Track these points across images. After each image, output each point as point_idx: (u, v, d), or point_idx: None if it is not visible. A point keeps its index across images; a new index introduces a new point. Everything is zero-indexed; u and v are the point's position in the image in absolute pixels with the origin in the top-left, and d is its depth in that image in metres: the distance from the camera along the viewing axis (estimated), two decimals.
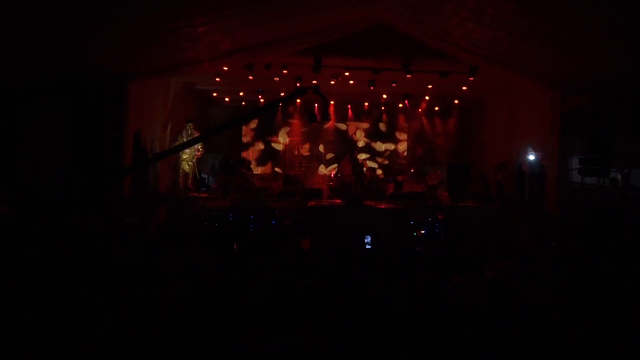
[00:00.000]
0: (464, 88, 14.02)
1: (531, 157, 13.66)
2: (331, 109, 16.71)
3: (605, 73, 9.25)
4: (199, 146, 13.39)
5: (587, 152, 10.36)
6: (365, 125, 17.85)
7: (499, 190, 13.57)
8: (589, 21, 7.33)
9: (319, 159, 17.40)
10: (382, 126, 17.87)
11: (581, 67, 9.32)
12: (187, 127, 13.38)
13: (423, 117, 17.39)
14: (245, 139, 17.55)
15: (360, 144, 17.68)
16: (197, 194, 13.18)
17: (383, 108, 17.38)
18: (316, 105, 15.03)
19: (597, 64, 8.93)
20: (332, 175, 16.15)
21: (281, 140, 17.58)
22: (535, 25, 8.00)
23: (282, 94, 15.66)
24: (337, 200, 13.42)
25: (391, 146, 17.96)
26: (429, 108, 17.09)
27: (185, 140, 13.15)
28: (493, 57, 10.19)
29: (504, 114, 14.69)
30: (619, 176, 11.49)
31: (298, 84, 13.76)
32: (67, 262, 5.97)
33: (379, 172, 16.73)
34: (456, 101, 16.28)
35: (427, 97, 16.12)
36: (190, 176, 13.60)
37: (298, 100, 16.68)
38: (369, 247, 9.56)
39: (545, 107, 11.74)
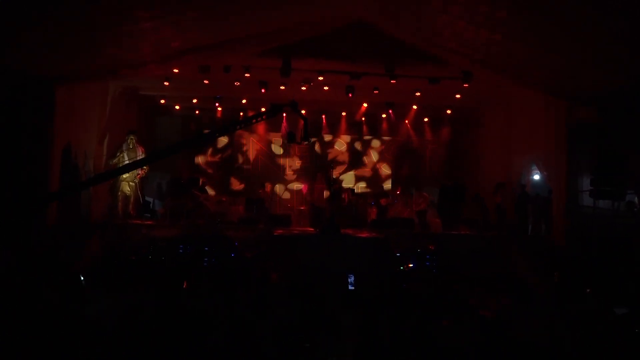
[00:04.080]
0: (458, 96, 14.36)
1: (536, 177, 14.02)
2: (301, 121, 16.86)
3: (614, 82, 9.67)
4: None
5: (598, 171, 10.68)
6: (343, 138, 18.05)
7: (499, 215, 13.85)
8: (595, 24, 7.69)
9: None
10: (362, 139, 18.13)
11: (587, 75, 9.72)
12: (129, 140, 13.29)
13: (410, 130, 17.68)
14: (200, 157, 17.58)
15: (336, 160, 17.84)
16: (139, 221, 13.04)
17: (363, 119, 17.63)
18: (284, 121, 15.33)
19: (605, 72, 9.33)
20: (304, 192, 16.22)
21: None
22: (535, 26, 8.34)
23: (244, 101, 15.77)
24: (310, 228, 13.49)
25: (373, 163, 18.20)
26: (417, 119, 17.43)
27: (125, 155, 13.06)
28: (488, 61, 10.54)
29: (502, 126, 15.08)
30: (637, 199, 11.85)
31: (263, 90, 13.89)
32: None
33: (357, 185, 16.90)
34: (448, 111, 16.65)
35: (414, 107, 16.45)
36: (132, 199, 13.46)
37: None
38: (352, 287, 9.64)
39: (548, 120, 12.15)
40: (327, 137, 17.96)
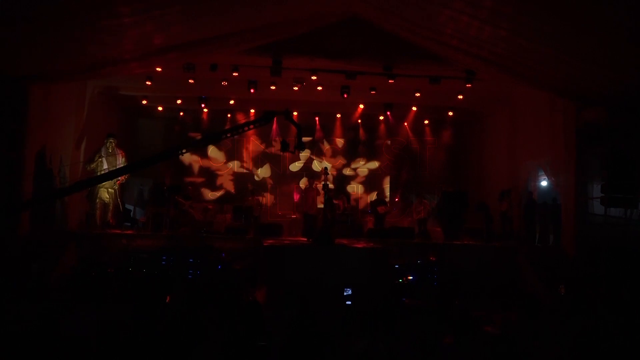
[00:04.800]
0: (460, 97, 14.43)
1: (544, 183, 14.08)
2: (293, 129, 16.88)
3: (627, 81, 9.72)
4: None
5: (609, 177, 10.72)
6: (337, 142, 18.06)
7: (504, 224, 13.89)
8: (605, 20, 7.74)
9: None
10: (358, 143, 18.14)
11: (598, 74, 9.77)
12: (108, 144, 13.24)
13: (409, 132, 17.71)
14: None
15: (330, 165, 17.85)
16: (119, 231, 12.98)
17: (360, 121, 17.64)
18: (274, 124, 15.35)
19: (617, 71, 9.38)
20: (296, 200, 16.19)
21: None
22: (542, 22, 8.38)
23: (232, 102, 15.76)
24: (302, 238, 13.48)
25: (370, 168, 18.23)
26: (417, 121, 17.47)
27: (104, 160, 13.00)
28: (492, 60, 10.58)
29: (507, 129, 15.16)
30: None
31: (252, 90, 13.90)
32: None
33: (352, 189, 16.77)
34: (450, 113, 16.71)
35: (414, 108, 16.50)
36: (111, 207, 13.40)
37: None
38: (349, 302, 9.65)
39: (556, 122, 12.24)
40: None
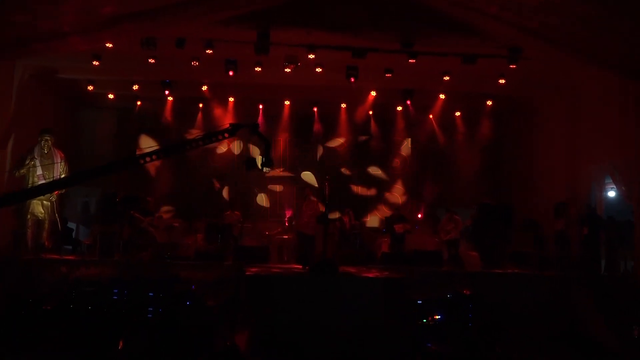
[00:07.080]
0: (502, 81, 14.44)
1: (611, 194, 14.07)
2: (285, 112, 16.97)
3: None
4: (61, 173, 13.22)
5: None
6: (341, 140, 18.09)
7: (560, 247, 13.86)
8: None
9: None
10: (369, 142, 18.19)
11: None
12: (43, 143, 13.20)
13: (436, 128, 17.73)
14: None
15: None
16: (57, 256, 12.96)
17: (371, 113, 17.68)
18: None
19: None
20: (289, 216, 16.18)
21: None
22: None
23: (204, 88, 15.75)
24: (296, 266, 13.46)
25: (384, 175, 18.26)
26: (446, 113, 17.50)
27: (38, 164, 12.98)
28: (544, 33, 10.58)
29: (563, 123, 15.17)
30: None
31: (231, 72, 13.90)
32: None
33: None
34: (489, 102, 16.73)
35: (442, 96, 16.53)
36: (46, 225, 13.37)
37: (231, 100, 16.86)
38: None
39: (628, 114, 12.26)
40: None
